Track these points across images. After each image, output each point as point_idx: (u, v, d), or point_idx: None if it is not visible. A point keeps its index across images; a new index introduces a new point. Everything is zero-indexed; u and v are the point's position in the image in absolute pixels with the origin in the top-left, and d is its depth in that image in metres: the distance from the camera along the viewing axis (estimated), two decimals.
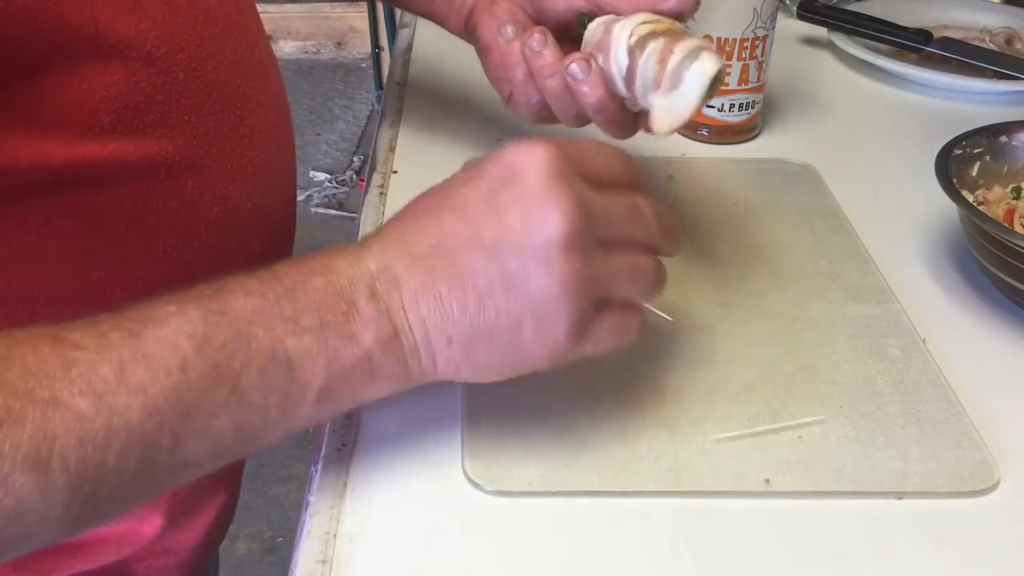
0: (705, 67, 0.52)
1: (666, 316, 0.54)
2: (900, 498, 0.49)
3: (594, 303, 0.45)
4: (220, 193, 0.56)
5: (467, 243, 0.44)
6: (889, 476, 0.50)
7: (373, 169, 0.76)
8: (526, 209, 0.43)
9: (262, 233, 0.60)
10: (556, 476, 0.49)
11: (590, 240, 0.44)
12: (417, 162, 0.77)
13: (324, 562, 0.45)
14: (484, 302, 0.43)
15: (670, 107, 0.54)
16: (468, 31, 0.65)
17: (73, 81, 0.46)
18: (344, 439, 0.52)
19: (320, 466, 0.50)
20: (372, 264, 0.44)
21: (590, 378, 0.55)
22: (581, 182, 0.44)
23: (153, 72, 0.50)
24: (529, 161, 0.44)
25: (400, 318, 0.44)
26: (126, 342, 0.39)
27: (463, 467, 0.50)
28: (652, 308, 0.51)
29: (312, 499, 0.48)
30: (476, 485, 0.49)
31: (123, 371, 0.38)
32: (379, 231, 0.46)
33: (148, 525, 0.60)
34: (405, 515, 0.48)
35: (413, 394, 0.53)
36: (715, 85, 0.53)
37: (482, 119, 0.76)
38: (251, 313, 0.41)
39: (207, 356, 0.39)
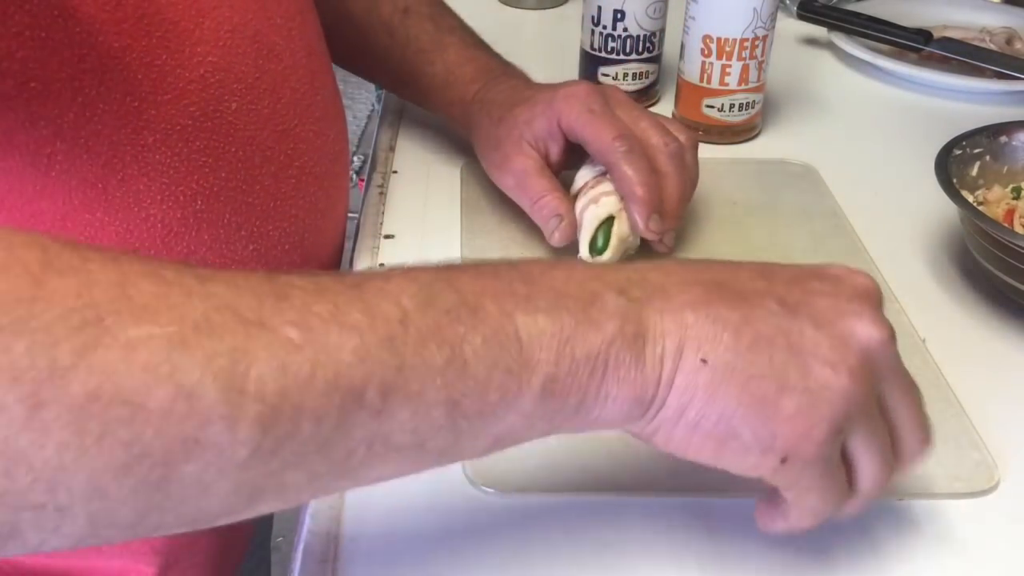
0: (598, 211, 0.62)
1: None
2: (900, 499, 0.49)
3: (844, 437, 0.39)
4: (259, 230, 0.55)
5: (762, 292, 0.39)
6: None
7: (373, 169, 0.76)
8: (840, 303, 0.40)
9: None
10: (556, 476, 0.49)
11: (878, 375, 0.40)
12: (417, 162, 0.77)
13: (324, 562, 0.45)
14: (761, 345, 0.38)
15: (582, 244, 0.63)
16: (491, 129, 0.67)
17: (126, 98, 0.46)
18: None
19: None
20: (631, 273, 0.39)
21: None
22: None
23: (205, 98, 0.50)
24: (854, 276, 0.42)
25: (654, 319, 0.38)
26: (344, 291, 0.34)
27: (463, 467, 0.49)
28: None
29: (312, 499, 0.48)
30: (476, 485, 0.49)
31: (338, 310, 0.33)
32: (625, 265, 0.41)
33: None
34: (405, 515, 0.48)
35: None
36: (611, 230, 0.62)
37: None
38: (480, 288, 0.36)
39: (429, 315, 0.35)
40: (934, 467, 0.50)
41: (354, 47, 0.75)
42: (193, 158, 0.50)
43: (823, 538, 0.47)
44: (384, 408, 0.34)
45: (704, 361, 0.38)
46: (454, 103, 0.72)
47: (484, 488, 0.49)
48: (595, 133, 0.62)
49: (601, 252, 0.62)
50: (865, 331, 0.39)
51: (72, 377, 0.29)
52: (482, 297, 0.36)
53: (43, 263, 0.30)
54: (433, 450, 0.36)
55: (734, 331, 0.38)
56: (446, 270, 0.37)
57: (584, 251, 0.62)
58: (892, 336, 0.40)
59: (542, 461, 0.50)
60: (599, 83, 0.84)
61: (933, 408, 0.53)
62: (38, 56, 0.43)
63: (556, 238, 0.63)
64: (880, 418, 0.40)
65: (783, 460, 0.38)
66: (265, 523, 0.82)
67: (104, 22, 0.44)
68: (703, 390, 0.38)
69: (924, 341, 0.59)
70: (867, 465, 0.40)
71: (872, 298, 0.41)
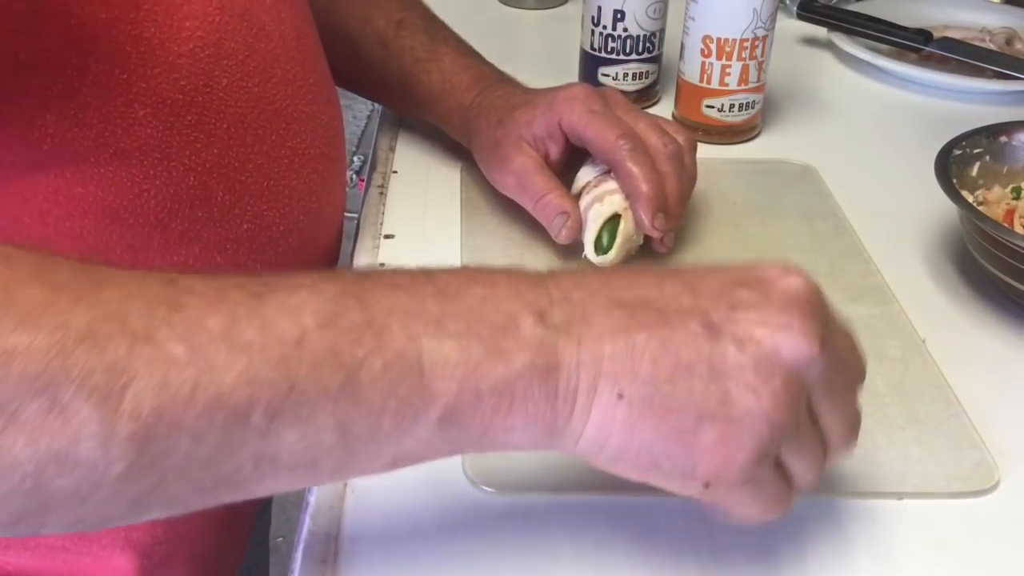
0: (603, 210, 0.62)
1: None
2: (900, 499, 0.49)
3: (774, 453, 0.38)
4: (252, 209, 0.55)
5: (686, 311, 0.37)
6: (889, 477, 0.50)
7: (373, 169, 0.76)
8: (767, 316, 0.38)
9: (296, 256, 0.59)
10: (556, 476, 0.49)
11: (808, 387, 0.38)
12: (417, 162, 0.77)
13: (324, 562, 0.45)
14: (680, 376, 0.37)
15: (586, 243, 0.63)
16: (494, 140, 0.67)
17: (113, 68, 0.46)
18: None
19: None
20: (554, 291, 0.38)
21: None
22: (828, 330, 0.39)
23: (195, 72, 0.50)
24: (786, 279, 0.39)
25: (569, 353, 0.36)
26: (245, 301, 0.34)
27: (463, 467, 0.49)
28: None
29: (312, 499, 0.48)
30: (476, 485, 0.49)
31: (232, 327, 0.33)
32: (549, 276, 0.39)
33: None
34: (405, 515, 0.48)
35: None
36: (616, 228, 0.62)
37: None
38: (390, 305, 0.35)
39: (329, 336, 0.34)
40: (934, 466, 0.50)
41: (348, 61, 0.75)
42: (185, 133, 0.50)
43: (823, 538, 0.47)
44: (270, 429, 0.33)
45: (620, 396, 0.36)
46: (452, 110, 0.72)
47: (484, 488, 0.49)
48: (598, 133, 0.63)
49: (607, 251, 0.62)
50: (791, 347, 0.37)
51: None
52: (390, 317, 0.35)
53: None
54: (327, 468, 0.36)
55: (652, 361, 0.36)
56: (358, 281, 0.36)
57: (589, 250, 0.63)
58: (822, 343, 0.38)
59: (542, 461, 0.50)
60: (599, 84, 0.84)
61: (933, 409, 0.53)
62: (25, 27, 0.42)
63: (563, 236, 0.63)
64: (809, 427, 0.39)
65: (706, 485, 0.38)
66: (264, 523, 0.82)
67: None
68: (620, 425, 0.37)
69: (924, 341, 0.59)
70: (800, 472, 0.40)
71: (803, 303, 0.38)
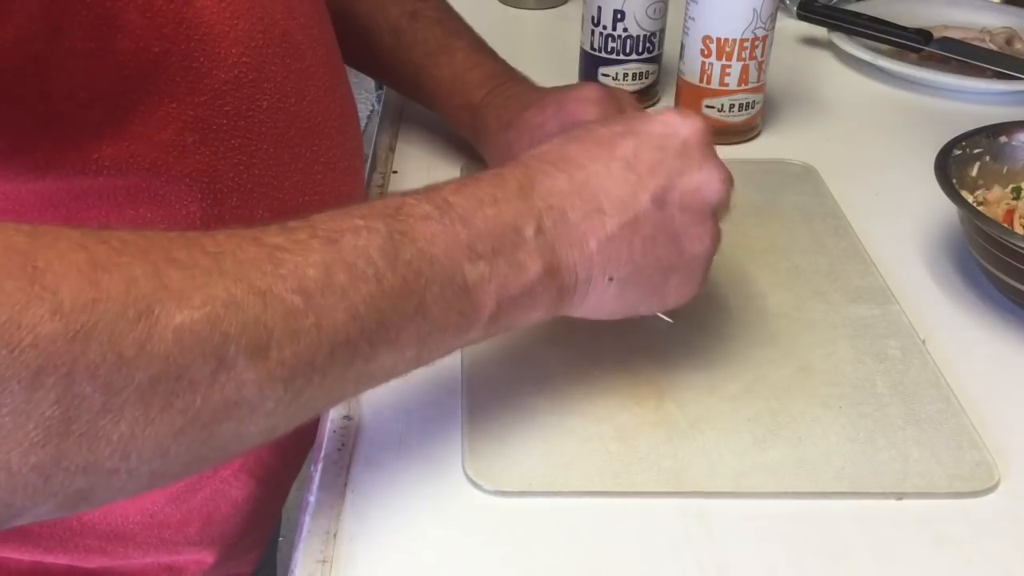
0: None
1: (666, 318, 0.54)
2: (900, 499, 0.49)
3: None
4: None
5: (636, 191, 0.46)
6: (889, 477, 0.50)
7: (373, 169, 0.76)
8: (691, 175, 0.48)
9: None
10: (556, 476, 0.49)
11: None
12: (417, 162, 0.77)
13: (324, 562, 0.45)
14: (647, 248, 0.47)
15: None
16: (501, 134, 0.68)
17: (164, 99, 0.47)
18: (344, 439, 0.52)
19: (320, 466, 0.50)
20: (539, 201, 0.45)
21: (590, 378, 0.55)
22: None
23: (239, 97, 0.50)
24: (688, 129, 0.48)
25: (566, 254, 0.45)
26: (324, 248, 0.39)
27: (463, 467, 0.50)
28: None
29: (312, 499, 0.48)
30: (476, 485, 0.49)
31: (327, 274, 0.38)
32: (535, 164, 0.47)
33: (202, 562, 0.60)
34: (405, 515, 0.48)
35: (414, 394, 0.54)
36: None
37: None
38: (431, 235, 0.42)
39: (397, 269, 0.40)
40: (934, 467, 0.50)
41: (360, 47, 0.75)
42: (229, 157, 0.51)
43: (822, 539, 0.47)
44: (372, 355, 0.40)
45: (611, 279, 0.47)
46: (461, 108, 0.72)
47: (484, 488, 0.49)
48: None
49: None
50: (713, 193, 0.48)
51: (136, 365, 0.33)
52: (434, 247, 0.42)
53: (91, 263, 0.33)
54: (400, 373, 0.43)
55: (627, 245, 0.46)
56: (398, 217, 0.42)
57: None
58: (728, 175, 0.49)
59: (542, 462, 0.50)
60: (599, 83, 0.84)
61: (933, 409, 0.53)
62: (86, 66, 0.43)
63: None
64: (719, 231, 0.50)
65: (667, 309, 0.51)
66: (276, 523, 0.82)
67: (145, 28, 0.45)
68: (612, 297, 0.48)
69: (924, 341, 0.59)
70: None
71: (706, 147, 0.49)
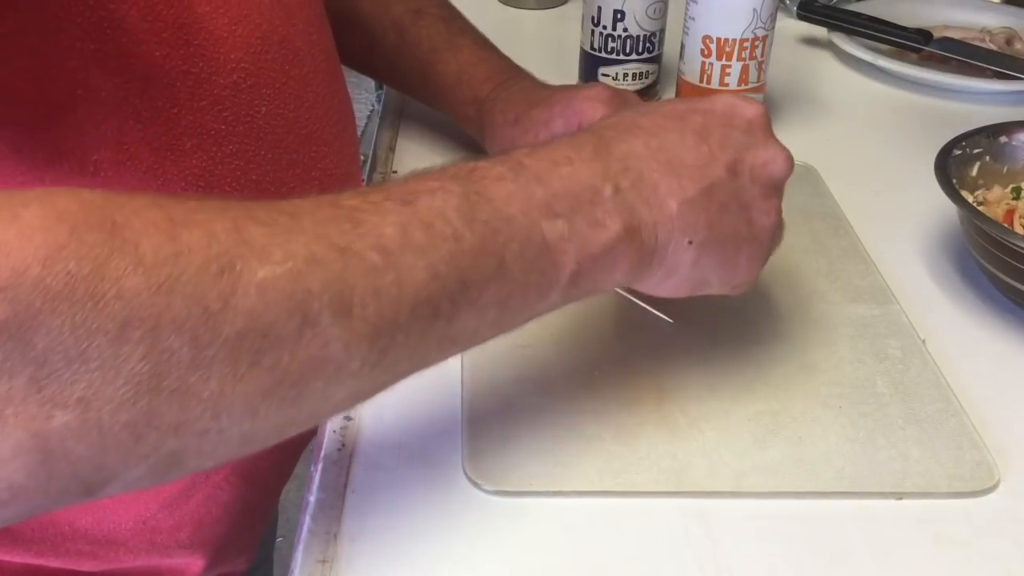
0: None
1: (666, 317, 0.54)
2: (900, 498, 0.49)
3: None
4: None
5: (710, 160, 0.47)
6: (889, 476, 0.50)
7: (373, 169, 0.76)
8: (758, 150, 0.48)
9: None
10: (556, 476, 0.49)
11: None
12: (417, 162, 0.77)
13: (324, 562, 0.45)
14: (723, 216, 0.47)
15: None
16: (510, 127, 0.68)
17: (163, 103, 0.47)
18: (344, 439, 0.52)
19: (320, 466, 0.50)
20: (615, 163, 0.45)
21: (590, 378, 0.55)
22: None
23: (238, 103, 0.50)
24: (752, 111, 0.49)
25: (645, 214, 0.44)
26: (401, 209, 0.38)
27: (463, 467, 0.50)
28: (652, 309, 0.51)
29: (312, 499, 0.48)
30: (476, 485, 0.49)
31: (405, 233, 0.38)
32: (608, 131, 0.47)
33: (193, 565, 0.60)
34: (405, 515, 0.48)
35: (413, 394, 0.53)
36: None
37: None
38: (506, 195, 0.41)
39: (475, 229, 0.40)
40: (934, 466, 0.50)
41: (362, 46, 0.75)
42: (227, 162, 0.51)
43: (823, 538, 0.47)
44: (454, 315, 0.39)
45: (690, 243, 0.46)
46: (467, 102, 0.72)
47: (484, 488, 0.49)
48: None
49: None
50: (779, 170, 0.49)
51: (222, 320, 0.32)
52: (510, 205, 0.41)
53: (168, 220, 0.33)
54: (483, 338, 0.42)
55: (705, 210, 0.46)
56: (473, 178, 0.41)
57: None
58: (790, 154, 0.50)
59: (542, 462, 0.50)
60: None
61: (933, 408, 0.53)
62: (86, 66, 0.43)
63: None
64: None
65: (734, 288, 0.50)
66: (271, 523, 0.82)
67: (146, 32, 0.45)
68: (687, 264, 0.47)
69: (924, 341, 0.59)
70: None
71: (767, 128, 0.50)
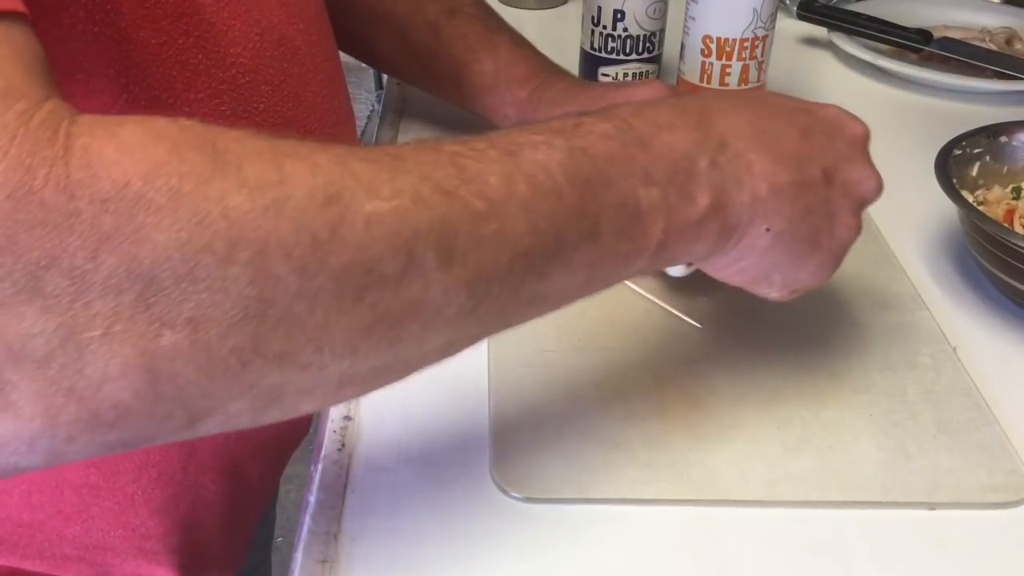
0: None
1: (695, 322, 0.54)
2: (932, 508, 0.48)
3: None
4: None
5: (809, 159, 0.46)
6: (921, 486, 0.49)
7: None
8: (856, 167, 0.48)
9: None
10: (584, 483, 0.49)
11: None
12: None
13: (324, 562, 0.45)
14: (808, 216, 0.46)
15: None
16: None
17: (161, 92, 0.46)
18: (344, 439, 0.52)
19: (320, 466, 0.50)
20: (716, 137, 0.44)
21: (618, 385, 0.55)
22: None
23: (236, 98, 0.50)
24: (858, 129, 0.49)
25: (735, 192, 0.44)
26: (505, 159, 0.38)
27: (490, 473, 0.49)
28: (680, 314, 0.51)
29: (312, 499, 0.48)
30: (504, 491, 0.49)
31: (509, 184, 0.37)
32: (715, 103, 0.47)
33: (184, 569, 0.60)
34: (405, 515, 0.47)
35: (413, 394, 0.53)
36: None
37: (481, 120, 0.76)
38: (609, 156, 0.41)
39: (575, 187, 0.39)
40: (966, 476, 0.49)
41: (396, 48, 0.74)
42: None
43: (855, 548, 0.47)
44: (545, 272, 0.39)
45: (768, 230, 0.45)
46: (507, 103, 0.71)
47: (512, 495, 0.48)
48: None
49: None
50: (871, 191, 0.49)
51: (329, 250, 0.32)
52: (612, 168, 0.41)
53: (272, 149, 0.32)
54: (569, 301, 0.42)
55: (791, 203, 0.45)
56: (577, 134, 0.41)
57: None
58: (882, 182, 0.49)
59: (568, 470, 0.50)
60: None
61: (964, 417, 0.53)
62: (85, 49, 0.43)
63: None
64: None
65: (792, 292, 0.50)
66: (267, 524, 0.82)
67: (143, 19, 0.44)
68: (759, 251, 0.46)
69: (955, 349, 0.58)
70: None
71: (866, 148, 0.49)
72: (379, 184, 0.34)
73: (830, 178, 0.47)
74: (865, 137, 0.49)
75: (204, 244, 0.30)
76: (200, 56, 0.48)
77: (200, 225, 0.30)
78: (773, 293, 0.49)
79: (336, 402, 0.36)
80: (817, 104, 0.50)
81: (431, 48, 0.74)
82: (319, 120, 0.57)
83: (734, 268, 0.47)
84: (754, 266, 0.47)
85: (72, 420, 0.30)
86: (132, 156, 0.30)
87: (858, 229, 0.49)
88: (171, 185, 0.29)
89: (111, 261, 0.29)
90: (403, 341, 0.35)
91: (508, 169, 0.37)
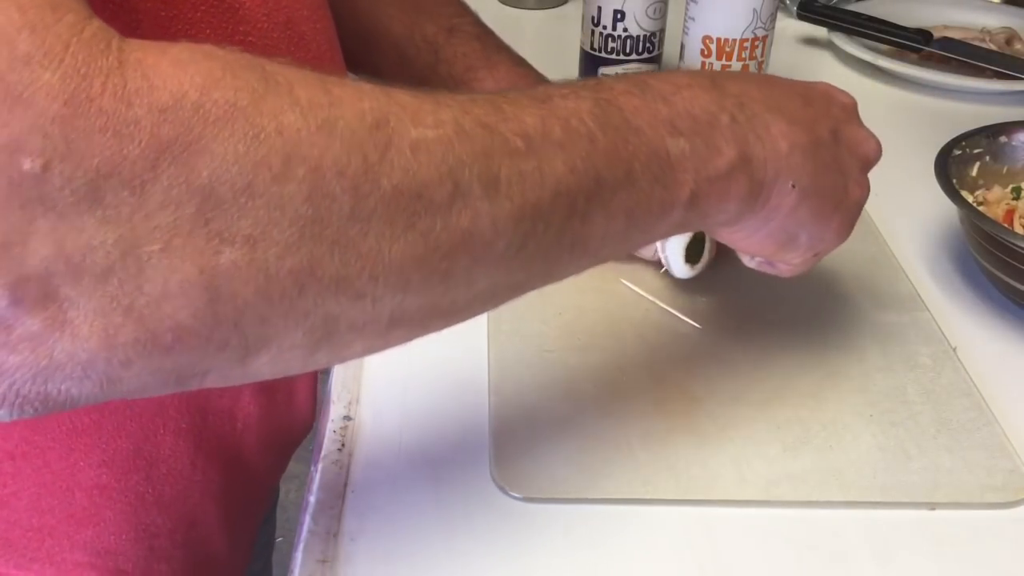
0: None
1: (694, 323, 0.54)
2: (933, 508, 0.48)
3: None
4: None
5: (816, 121, 0.48)
6: (921, 486, 0.49)
7: None
8: (856, 127, 0.50)
9: None
10: (583, 483, 0.49)
11: None
12: None
13: (324, 562, 0.45)
14: (825, 171, 0.47)
15: (668, 261, 0.61)
16: None
17: None
18: (344, 439, 0.52)
19: (320, 466, 0.50)
20: (732, 97, 0.45)
21: (618, 384, 0.55)
22: None
23: None
24: (848, 98, 0.51)
25: (758, 147, 0.45)
26: (539, 104, 0.38)
27: (491, 472, 0.49)
28: (680, 314, 0.51)
29: (312, 499, 0.48)
30: (504, 491, 0.49)
31: (545, 125, 0.37)
32: (720, 74, 0.49)
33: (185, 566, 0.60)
34: (405, 515, 0.47)
35: (412, 394, 0.54)
36: (696, 248, 0.61)
37: None
38: (634, 108, 0.41)
39: (608, 134, 0.39)
40: (966, 476, 0.50)
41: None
42: None
43: (855, 548, 0.47)
44: (588, 215, 0.39)
45: (794, 186, 0.46)
46: None
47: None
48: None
49: (696, 262, 0.61)
50: (873, 151, 0.51)
51: (380, 171, 0.32)
52: (639, 118, 0.41)
53: (318, 78, 0.32)
54: (608, 253, 0.42)
55: (812, 158, 0.46)
56: (602, 88, 0.42)
57: (677, 263, 0.60)
58: (879, 142, 0.51)
59: (568, 469, 0.50)
60: None
61: (964, 417, 0.53)
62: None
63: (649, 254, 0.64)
64: None
65: (815, 255, 0.50)
66: (268, 528, 0.82)
67: None
68: (787, 210, 0.47)
69: (955, 349, 0.58)
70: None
71: (858, 113, 0.51)
72: (423, 114, 0.34)
73: (837, 137, 0.48)
74: (855, 106, 0.51)
75: (262, 159, 0.29)
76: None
77: (256, 139, 0.30)
78: (796, 258, 0.50)
79: (385, 347, 0.36)
80: (805, 81, 0.51)
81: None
82: None
83: (764, 232, 0.48)
84: (782, 228, 0.48)
85: (130, 341, 0.30)
86: (186, 70, 0.29)
87: (867, 188, 0.51)
88: (227, 98, 0.29)
89: (171, 171, 0.28)
90: (454, 277, 0.35)
91: (543, 112, 0.38)
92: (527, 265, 0.38)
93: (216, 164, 0.29)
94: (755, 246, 0.49)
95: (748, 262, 0.52)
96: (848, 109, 0.51)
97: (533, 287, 0.40)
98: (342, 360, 0.36)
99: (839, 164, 0.48)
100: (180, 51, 0.30)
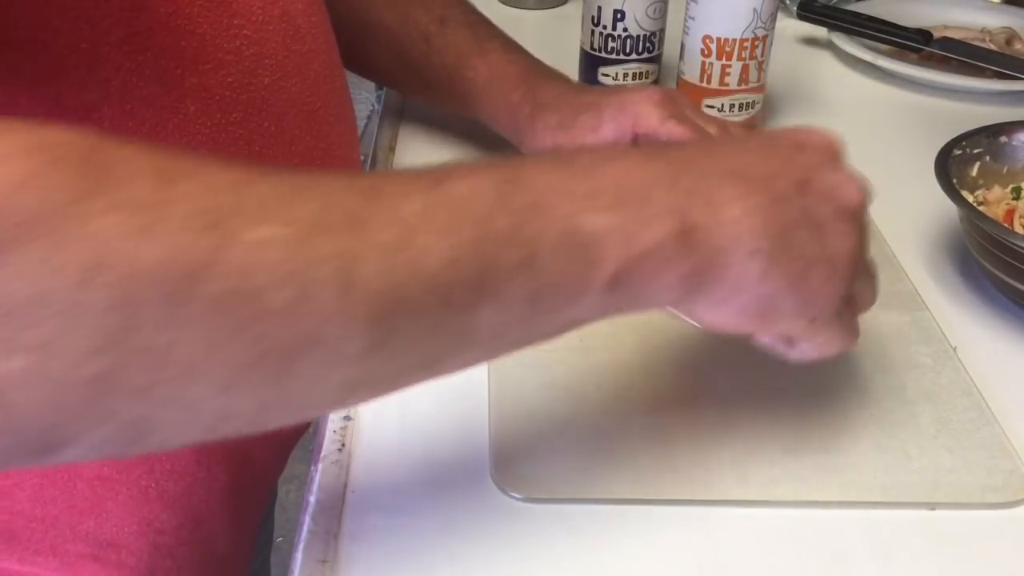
0: None
1: (695, 323, 0.54)
2: (932, 508, 0.48)
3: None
4: None
5: (778, 174, 0.43)
6: (921, 486, 0.49)
7: (373, 169, 0.76)
8: (829, 173, 0.45)
9: None
10: (583, 483, 0.49)
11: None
12: (417, 162, 0.77)
13: (324, 562, 0.45)
14: (791, 230, 0.42)
15: None
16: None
17: (168, 63, 0.46)
18: (344, 439, 0.52)
19: (320, 466, 0.50)
20: (673, 164, 0.42)
21: (618, 385, 0.55)
22: None
23: (241, 70, 0.50)
24: (822, 138, 0.46)
25: (702, 215, 0.40)
26: (428, 190, 0.36)
27: (491, 473, 0.49)
28: (680, 314, 0.51)
29: (312, 499, 0.48)
30: (505, 491, 0.49)
31: (426, 212, 0.35)
32: (658, 147, 0.45)
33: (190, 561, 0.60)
34: (405, 515, 0.47)
35: (412, 393, 0.53)
36: None
37: (480, 123, 0.76)
38: (545, 186, 0.38)
39: (506, 217, 0.37)
40: (966, 476, 0.49)
41: (388, 56, 0.75)
42: (230, 130, 0.50)
43: (854, 548, 0.47)
44: (472, 307, 0.36)
45: (752, 252, 0.41)
46: (499, 107, 0.71)
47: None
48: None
49: None
50: (855, 195, 0.45)
51: (205, 277, 0.30)
52: (549, 195, 0.38)
53: (171, 171, 0.31)
54: (510, 341, 0.39)
55: (774, 218, 0.42)
56: (511, 167, 0.39)
57: None
58: (865, 184, 0.46)
59: (568, 470, 0.50)
60: (598, 84, 0.84)
61: (964, 417, 0.53)
62: (90, 16, 0.42)
63: None
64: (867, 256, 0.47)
65: (812, 320, 0.44)
66: (267, 527, 0.82)
67: None
68: (755, 280, 0.42)
69: (955, 349, 0.58)
70: (865, 296, 0.48)
71: (838, 156, 0.46)
72: (274, 211, 0.32)
73: (804, 189, 0.44)
74: (833, 146, 0.46)
75: (58, 266, 0.28)
76: (205, 26, 0.48)
77: (57, 246, 0.28)
78: (794, 328, 0.45)
79: (221, 436, 0.34)
80: (780, 129, 0.48)
81: (424, 56, 0.74)
82: (322, 100, 0.57)
83: (735, 307, 0.43)
84: (756, 300, 0.43)
85: None
86: (2, 167, 0.28)
87: (855, 235, 0.45)
88: (33, 202, 0.28)
89: None
90: (295, 378, 0.33)
91: (429, 198, 0.36)
92: (392, 359, 0.36)
93: (8, 272, 0.28)
94: (732, 322, 0.44)
95: (761, 343, 0.47)
96: (824, 151, 0.46)
97: (418, 379, 0.38)
98: (175, 447, 0.34)
99: (810, 218, 0.43)
100: (11, 142, 0.29)
